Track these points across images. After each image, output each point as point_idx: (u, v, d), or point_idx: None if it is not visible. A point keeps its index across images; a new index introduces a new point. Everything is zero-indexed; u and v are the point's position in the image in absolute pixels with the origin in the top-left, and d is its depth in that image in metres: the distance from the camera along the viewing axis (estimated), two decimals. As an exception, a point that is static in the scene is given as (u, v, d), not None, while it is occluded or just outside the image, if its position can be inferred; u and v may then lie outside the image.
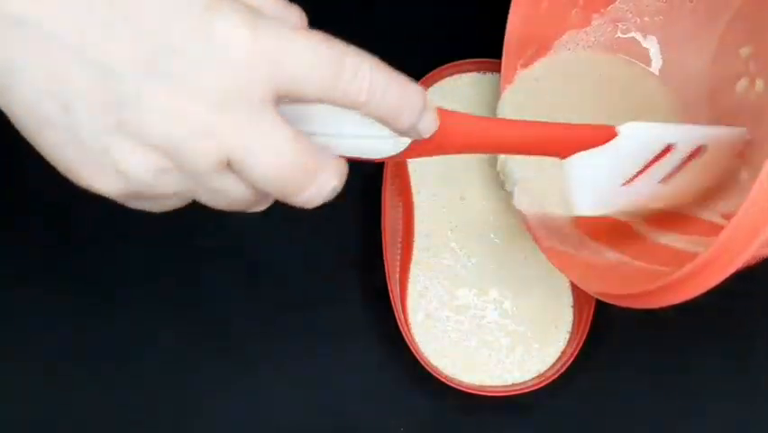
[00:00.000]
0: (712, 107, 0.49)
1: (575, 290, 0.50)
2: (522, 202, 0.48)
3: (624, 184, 0.44)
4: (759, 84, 0.46)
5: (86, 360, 0.51)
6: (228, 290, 0.52)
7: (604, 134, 0.41)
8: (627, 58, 0.52)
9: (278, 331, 0.51)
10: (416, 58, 0.54)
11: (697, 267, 0.36)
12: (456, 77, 0.53)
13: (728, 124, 0.46)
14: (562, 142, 0.40)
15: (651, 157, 0.43)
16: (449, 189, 0.52)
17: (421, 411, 0.51)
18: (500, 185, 0.51)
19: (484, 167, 0.52)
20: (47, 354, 0.51)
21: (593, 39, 0.52)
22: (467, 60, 0.53)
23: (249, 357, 0.51)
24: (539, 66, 0.51)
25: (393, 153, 0.35)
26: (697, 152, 0.44)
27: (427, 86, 0.53)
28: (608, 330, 0.51)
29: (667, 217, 0.46)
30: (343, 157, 0.33)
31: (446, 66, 0.53)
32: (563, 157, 0.41)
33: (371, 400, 0.51)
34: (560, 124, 0.42)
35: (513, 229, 0.51)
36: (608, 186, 0.43)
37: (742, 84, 0.47)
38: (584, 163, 0.41)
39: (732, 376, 0.51)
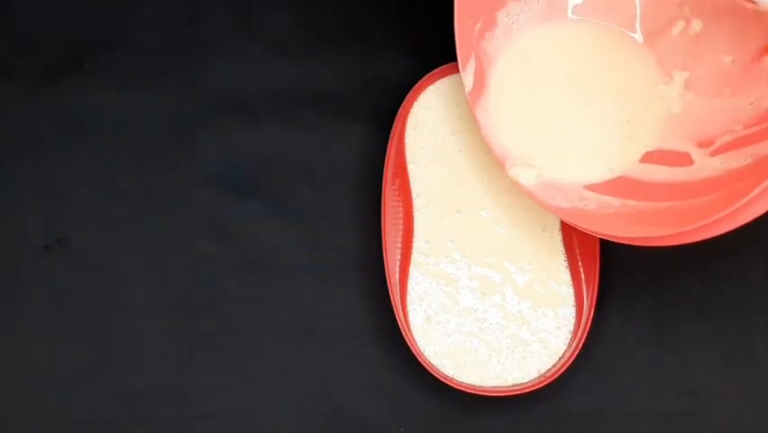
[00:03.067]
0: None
1: (576, 290, 0.50)
2: (527, 177, 0.49)
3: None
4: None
5: (86, 359, 0.51)
6: (228, 289, 0.52)
7: None
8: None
9: (278, 331, 0.51)
10: (416, 57, 0.54)
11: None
12: (456, 75, 0.53)
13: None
14: None
15: None
16: (447, 200, 0.52)
17: (421, 411, 0.51)
18: (498, 194, 0.51)
19: (483, 177, 0.52)
20: (46, 353, 0.51)
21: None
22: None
23: (248, 357, 0.51)
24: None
25: None
26: None
27: (427, 85, 0.53)
28: (608, 330, 0.51)
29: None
30: None
31: (446, 66, 0.53)
32: None
33: (371, 400, 0.51)
34: None
35: (513, 234, 0.51)
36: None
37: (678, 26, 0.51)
38: None
39: (732, 376, 0.51)
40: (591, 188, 0.50)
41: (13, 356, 0.51)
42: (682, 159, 0.48)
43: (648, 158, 0.50)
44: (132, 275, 0.52)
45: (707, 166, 0.47)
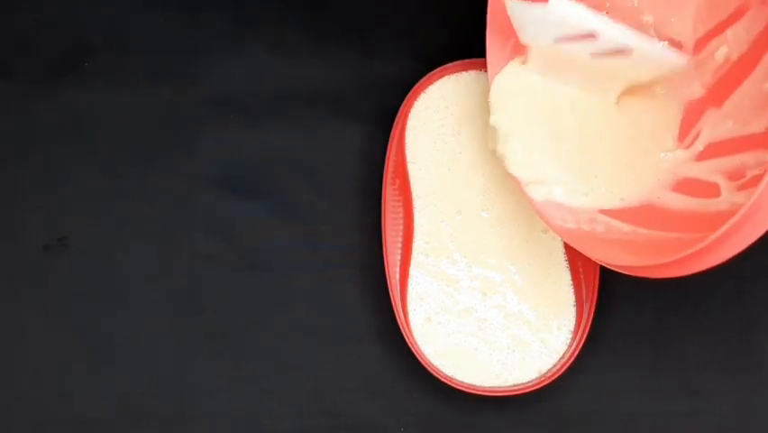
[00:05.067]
0: None
1: (577, 290, 0.50)
2: (536, 192, 0.49)
3: (557, 41, 0.49)
4: None
5: (86, 359, 0.51)
6: (228, 289, 0.52)
7: None
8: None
9: (278, 330, 0.51)
10: (417, 57, 0.54)
11: (734, 225, 0.37)
12: (456, 75, 0.53)
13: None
14: None
15: (575, 33, 0.48)
16: (447, 201, 0.52)
17: (421, 411, 0.51)
18: (499, 196, 0.51)
19: (483, 179, 0.52)
20: (46, 353, 0.51)
21: None
22: (469, 60, 0.53)
23: (248, 357, 0.51)
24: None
25: None
26: (622, 51, 0.49)
27: (428, 85, 0.53)
28: (608, 330, 0.51)
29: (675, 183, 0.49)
30: None
31: (447, 66, 0.53)
32: None
33: (371, 400, 0.51)
34: None
35: (513, 235, 0.51)
36: (544, 34, 0.49)
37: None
38: (522, 8, 0.48)
39: (732, 376, 0.51)
40: (606, 212, 0.49)
41: (13, 356, 0.51)
42: (711, 190, 0.46)
43: (677, 186, 0.48)
44: (131, 275, 0.52)
45: (730, 200, 0.45)
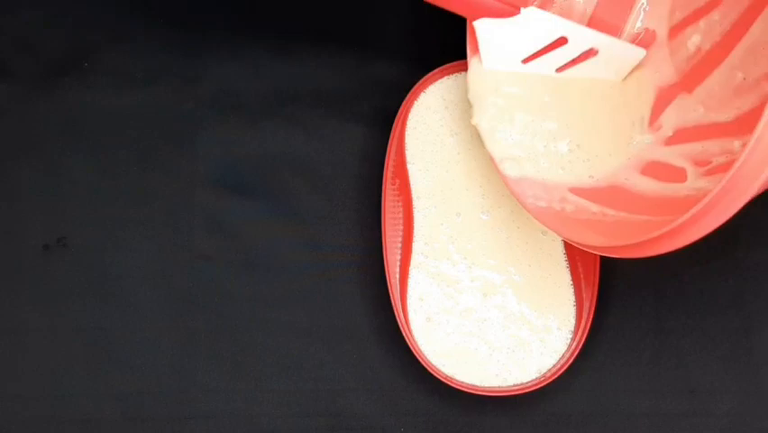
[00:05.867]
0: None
1: (577, 290, 0.50)
2: (510, 169, 0.49)
3: (524, 62, 0.50)
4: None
5: (86, 359, 0.51)
6: (228, 289, 0.52)
7: (508, 11, 0.48)
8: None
9: (278, 330, 0.51)
10: (416, 58, 0.54)
11: (704, 207, 0.37)
12: (456, 75, 0.53)
13: None
14: (470, 3, 0.48)
15: (545, 43, 0.50)
16: (446, 203, 0.52)
17: (421, 411, 0.51)
18: (498, 197, 0.51)
19: (482, 181, 0.52)
20: (46, 353, 0.51)
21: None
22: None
23: (248, 356, 0.51)
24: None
25: None
26: (589, 53, 0.50)
27: (427, 86, 0.53)
28: (608, 330, 0.51)
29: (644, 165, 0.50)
30: None
31: (446, 66, 0.53)
32: (471, 19, 0.49)
33: (371, 400, 0.51)
34: None
35: (513, 236, 0.51)
36: (510, 57, 0.50)
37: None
38: (491, 29, 0.49)
39: (731, 376, 0.51)
40: (576, 191, 0.49)
41: (13, 356, 0.51)
42: (677, 174, 0.48)
43: (645, 169, 0.49)
44: (131, 275, 0.52)
45: (695, 186, 0.47)
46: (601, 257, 0.50)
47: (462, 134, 0.53)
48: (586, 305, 0.50)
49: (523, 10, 0.48)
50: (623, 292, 0.52)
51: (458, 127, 0.53)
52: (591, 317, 0.50)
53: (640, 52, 0.51)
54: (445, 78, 0.53)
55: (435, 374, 0.49)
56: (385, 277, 0.50)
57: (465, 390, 0.49)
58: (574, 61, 0.50)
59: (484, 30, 0.49)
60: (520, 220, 0.51)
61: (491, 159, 0.50)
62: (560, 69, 0.51)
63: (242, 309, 0.52)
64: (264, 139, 0.53)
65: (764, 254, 0.52)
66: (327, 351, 0.51)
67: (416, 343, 0.50)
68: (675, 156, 0.49)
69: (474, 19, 0.48)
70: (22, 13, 0.55)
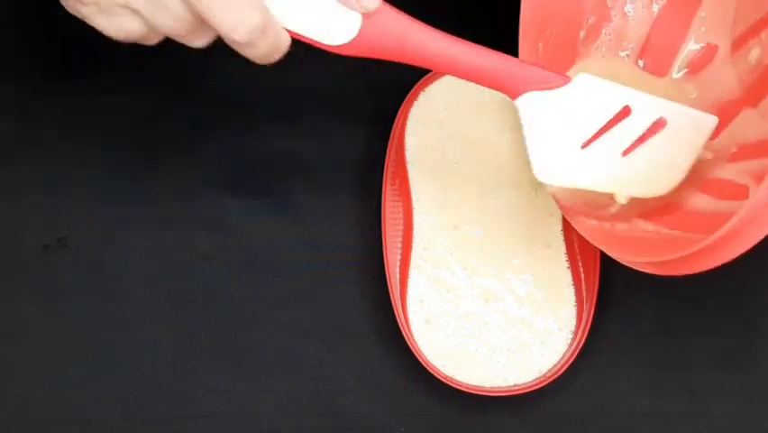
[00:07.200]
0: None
1: (577, 291, 0.50)
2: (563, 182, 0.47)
3: (583, 147, 0.43)
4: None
5: (86, 359, 0.51)
6: (227, 289, 0.52)
7: (555, 77, 0.41)
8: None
9: (278, 330, 0.51)
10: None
11: (725, 234, 0.36)
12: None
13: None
14: (508, 73, 0.40)
15: (607, 117, 0.43)
16: (445, 216, 0.51)
17: (421, 411, 0.51)
18: (498, 200, 0.51)
19: (482, 191, 0.52)
20: (46, 353, 0.51)
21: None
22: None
23: (248, 356, 0.51)
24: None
25: (340, 42, 0.39)
26: (658, 125, 0.45)
27: (427, 85, 0.53)
28: (608, 331, 0.51)
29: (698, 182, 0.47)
30: (291, 32, 0.38)
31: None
32: (513, 96, 0.41)
33: (371, 400, 0.51)
34: (510, 57, 0.41)
35: (514, 243, 0.51)
36: (566, 144, 0.43)
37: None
38: (538, 106, 0.41)
39: (732, 376, 0.51)
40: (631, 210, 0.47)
41: (12, 356, 0.51)
42: (739, 192, 0.45)
43: (706, 186, 0.46)
44: (131, 275, 0.52)
45: None
46: (601, 257, 0.50)
47: (462, 135, 0.53)
48: (586, 306, 0.50)
49: (576, 77, 0.41)
50: (623, 293, 0.52)
51: (458, 127, 0.53)
52: (591, 317, 0.50)
53: (713, 121, 0.46)
54: (445, 77, 0.53)
55: (435, 375, 0.49)
56: (385, 277, 0.50)
57: (465, 390, 0.49)
58: (641, 139, 0.45)
59: (530, 110, 0.41)
60: (520, 220, 0.51)
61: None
62: (626, 152, 0.45)
63: (242, 309, 0.52)
64: (264, 139, 0.53)
65: (764, 255, 0.52)
66: (327, 351, 0.51)
67: (415, 343, 0.50)
68: (738, 173, 0.46)
69: (517, 94, 0.41)
70: (22, 13, 0.55)
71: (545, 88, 0.41)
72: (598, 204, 0.48)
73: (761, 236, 0.37)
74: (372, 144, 0.53)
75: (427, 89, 0.53)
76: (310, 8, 0.38)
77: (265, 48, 0.39)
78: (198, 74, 0.54)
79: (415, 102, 0.53)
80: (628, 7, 0.51)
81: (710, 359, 0.51)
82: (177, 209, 0.53)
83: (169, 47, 0.55)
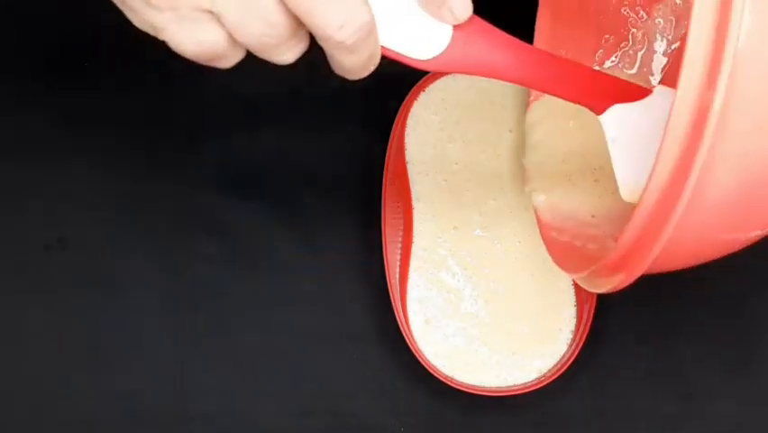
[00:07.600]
0: None
1: (577, 291, 0.50)
2: (539, 199, 0.48)
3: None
4: None
5: (86, 359, 0.51)
6: (228, 289, 0.52)
7: (640, 88, 0.40)
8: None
9: (278, 331, 0.51)
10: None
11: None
12: (456, 75, 0.53)
13: None
14: (598, 85, 0.39)
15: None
16: (444, 216, 0.52)
17: (421, 411, 0.51)
18: (498, 201, 0.51)
19: (481, 192, 0.52)
20: (46, 353, 0.51)
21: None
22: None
23: (248, 357, 0.51)
24: None
25: (428, 57, 0.36)
26: None
27: (427, 85, 0.53)
28: (608, 330, 0.51)
29: None
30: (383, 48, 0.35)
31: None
32: (600, 110, 0.39)
33: (371, 400, 0.51)
34: (594, 70, 0.41)
35: (514, 244, 0.51)
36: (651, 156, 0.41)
37: None
38: (624, 124, 0.39)
39: (732, 376, 0.51)
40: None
41: (13, 356, 0.51)
42: None
43: None
44: (131, 275, 0.52)
45: None
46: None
47: (463, 135, 0.53)
48: (586, 305, 0.50)
49: (657, 88, 0.39)
50: (623, 294, 0.51)
51: (458, 127, 0.53)
52: (591, 317, 0.50)
53: None
54: (445, 77, 0.53)
55: (435, 375, 0.49)
56: (385, 278, 0.50)
57: (465, 390, 0.49)
58: None
59: (616, 125, 0.39)
60: (520, 221, 0.51)
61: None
62: None
63: (242, 310, 0.52)
64: (264, 140, 0.53)
65: (764, 258, 0.52)
66: (327, 351, 0.51)
67: (415, 343, 0.50)
68: None
69: (604, 108, 0.39)
70: (22, 13, 0.54)
71: (631, 100, 0.39)
72: (581, 222, 0.48)
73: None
74: (372, 144, 0.53)
75: (427, 89, 0.53)
76: (398, 19, 0.35)
77: (367, 53, 0.34)
78: (199, 74, 0.54)
79: (415, 102, 0.53)
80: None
81: (709, 362, 0.51)
82: (177, 210, 0.53)
83: (169, 48, 0.55)
